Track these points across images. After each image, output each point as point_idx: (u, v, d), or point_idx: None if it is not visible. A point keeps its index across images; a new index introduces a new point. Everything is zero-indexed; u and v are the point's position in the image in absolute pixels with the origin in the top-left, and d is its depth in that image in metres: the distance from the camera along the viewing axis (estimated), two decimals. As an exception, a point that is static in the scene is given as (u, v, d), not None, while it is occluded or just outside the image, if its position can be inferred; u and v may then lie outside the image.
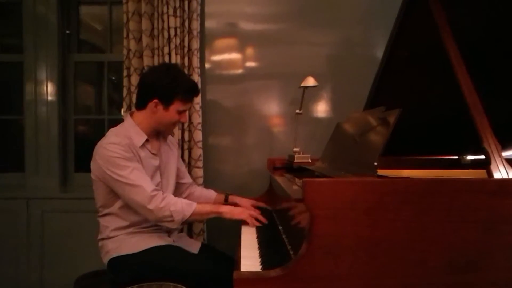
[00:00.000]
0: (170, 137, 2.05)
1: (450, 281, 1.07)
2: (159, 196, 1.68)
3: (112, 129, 1.83)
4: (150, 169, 1.81)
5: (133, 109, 1.96)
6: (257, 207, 2.06)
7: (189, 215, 1.71)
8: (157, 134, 1.90)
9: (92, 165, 1.76)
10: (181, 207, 1.70)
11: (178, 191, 2.05)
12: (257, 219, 1.81)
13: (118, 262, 1.73)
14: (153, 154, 1.85)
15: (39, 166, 2.79)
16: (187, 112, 1.86)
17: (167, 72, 1.80)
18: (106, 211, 1.79)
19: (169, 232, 1.89)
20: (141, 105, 1.82)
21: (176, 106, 1.78)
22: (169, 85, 1.76)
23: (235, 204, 2.13)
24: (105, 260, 1.78)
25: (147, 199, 1.65)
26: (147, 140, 1.81)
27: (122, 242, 1.75)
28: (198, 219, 1.78)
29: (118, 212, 1.76)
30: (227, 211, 1.80)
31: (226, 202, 2.15)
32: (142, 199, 1.65)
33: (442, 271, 1.06)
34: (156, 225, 1.83)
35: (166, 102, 1.77)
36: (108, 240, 1.77)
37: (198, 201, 2.06)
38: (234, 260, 1.94)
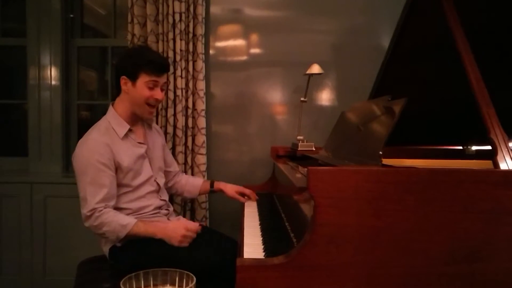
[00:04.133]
0: (155, 125, 2.06)
1: (452, 271, 1.07)
2: (95, 215, 1.65)
3: (97, 123, 1.82)
4: (133, 158, 1.79)
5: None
6: (258, 193, 2.06)
7: (123, 236, 1.67)
8: (141, 121, 1.89)
9: None
10: (114, 228, 1.66)
11: (165, 179, 2.03)
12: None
13: (119, 250, 1.74)
14: (139, 143, 1.84)
15: (42, 150, 2.81)
16: (159, 89, 1.82)
17: (131, 50, 1.80)
18: None
19: (167, 215, 1.91)
20: (117, 90, 1.83)
21: (142, 79, 1.75)
22: (132, 60, 1.76)
23: (221, 190, 2.17)
24: (105, 249, 1.79)
25: (84, 215, 1.67)
26: (130, 130, 1.81)
27: None
28: (137, 237, 1.73)
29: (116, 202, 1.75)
30: (160, 233, 1.69)
31: (211, 188, 2.17)
32: (83, 213, 1.68)
33: (444, 261, 1.06)
34: (154, 210, 1.85)
35: (132, 77, 1.76)
36: None
37: (184, 189, 2.14)
38: (235, 241, 1.95)
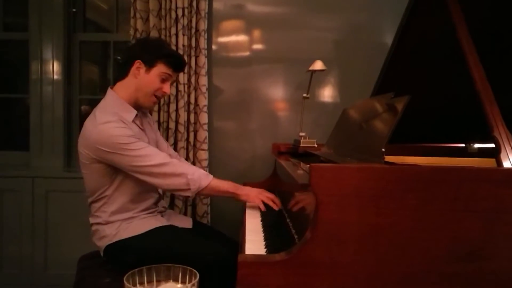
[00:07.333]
0: (148, 114, 1.99)
1: (453, 270, 1.06)
2: (175, 162, 1.64)
3: (96, 109, 1.72)
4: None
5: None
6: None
7: (205, 187, 1.66)
8: (138, 109, 1.81)
9: (84, 149, 1.65)
10: (199, 176, 1.65)
11: None
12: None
13: (118, 247, 1.68)
14: (141, 129, 1.80)
15: (44, 145, 2.81)
16: (169, 84, 1.80)
17: (152, 39, 1.81)
18: (101, 195, 1.71)
19: (161, 212, 1.87)
20: (123, 73, 1.76)
21: (158, 69, 1.73)
22: (153, 47, 1.74)
23: None
24: (101, 244, 1.73)
25: (162, 165, 1.61)
26: (136, 115, 1.76)
27: (120, 227, 1.70)
28: (212, 194, 1.71)
29: (113, 194, 1.70)
30: (244, 193, 1.76)
31: None
32: (157, 164, 1.61)
33: (445, 260, 1.06)
34: (150, 208, 1.79)
35: (149, 63, 1.72)
36: (106, 225, 1.71)
37: None
38: (234, 241, 1.94)
